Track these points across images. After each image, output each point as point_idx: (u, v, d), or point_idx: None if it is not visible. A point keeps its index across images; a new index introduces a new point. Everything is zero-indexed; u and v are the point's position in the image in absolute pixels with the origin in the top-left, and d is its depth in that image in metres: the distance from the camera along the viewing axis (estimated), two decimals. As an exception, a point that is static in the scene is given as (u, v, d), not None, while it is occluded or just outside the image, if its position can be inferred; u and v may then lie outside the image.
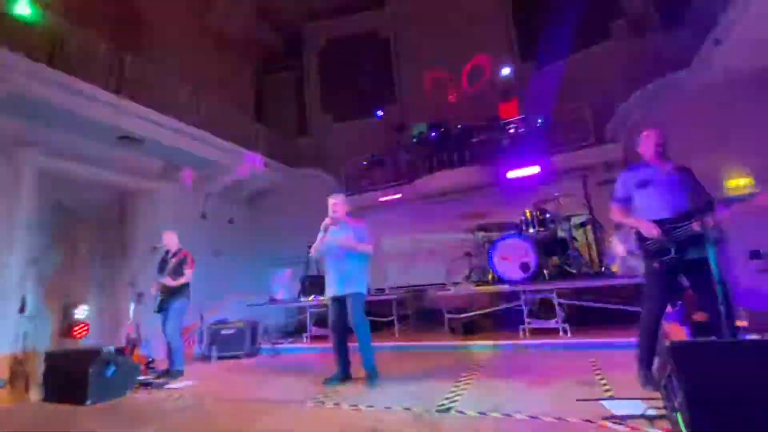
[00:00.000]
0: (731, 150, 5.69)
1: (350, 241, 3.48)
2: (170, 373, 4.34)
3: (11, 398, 4.70)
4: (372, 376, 3.36)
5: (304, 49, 11.20)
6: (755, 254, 5.52)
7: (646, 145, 2.70)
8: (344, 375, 3.56)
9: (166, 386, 3.99)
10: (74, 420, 3.10)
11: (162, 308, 4.52)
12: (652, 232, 2.56)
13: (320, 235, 3.61)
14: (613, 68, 7.16)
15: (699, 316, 3.84)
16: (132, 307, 4.87)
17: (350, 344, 3.59)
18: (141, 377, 4.13)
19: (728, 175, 5.74)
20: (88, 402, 3.42)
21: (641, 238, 2.64)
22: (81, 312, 5.04)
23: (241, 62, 10.63)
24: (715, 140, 5.65)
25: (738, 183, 5.75)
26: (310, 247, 7.47)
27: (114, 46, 6.20)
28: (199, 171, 7.79)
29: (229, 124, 8.07)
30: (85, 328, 4.98)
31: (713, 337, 2.68)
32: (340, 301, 3.51)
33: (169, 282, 4.46)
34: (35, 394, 3.86)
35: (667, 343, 1.96)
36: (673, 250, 2.50)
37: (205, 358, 5.53)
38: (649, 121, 6.34)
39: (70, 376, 3.55)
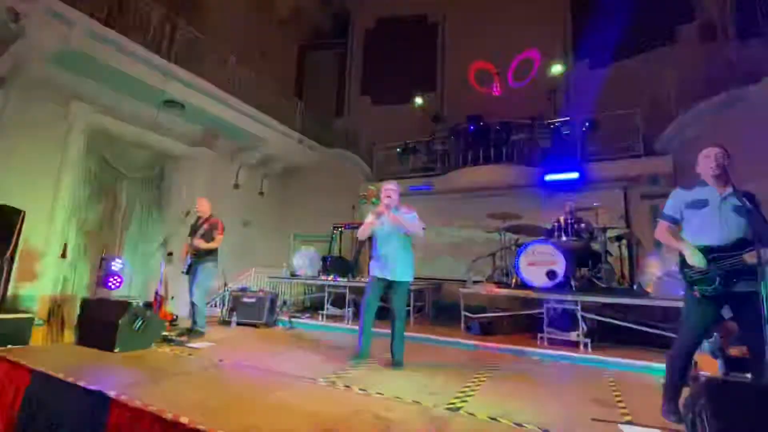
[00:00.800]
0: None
1: (406, 222, 3.60)
2: (191, 332, 4.55)
3: (48, 338, 5.08)
4: (399, 363, 3.53)
5: (351, 27, 11.09)
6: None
7: (705, 165, 2.51)
8: (366, 353, 3.70)
9: (187, 344, 4.18)
10: (103, 364, 3.30)
11: (191, 270, 4.70)
12: (694, 260, 2.40)
13: (369, 218, 3.73)
14: (674, 75, 6.68)
15: (734, 351, 3.63)
16: (162, 265, 5.10)
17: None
18: (165, 333, 4.33)
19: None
20: (117, 350, 3.63)
21: (684, 264, 2.48)
22: (116, 264, 5.32)
23: (287, 36, 10.67)
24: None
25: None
26: (335, 227, 7.60)
27: (166, 11, 6.34)
28: (236, 141, 7.96)
29: (268, 97, 8.16)
30: (119, 280, 5.26)
31: (748, 375, 2.53)
32: (385, 285, 3.65)
33: (201, 244, 4.61)
34: (69, 336, 4.12)
35: (703, 378, 1.85)
36: (717, 281, 2.33)
37: (225, 322, 5.75)
38: (708, 137, 5.88)
39: (102, 324, 3.77)
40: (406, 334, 3.74)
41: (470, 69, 9.14)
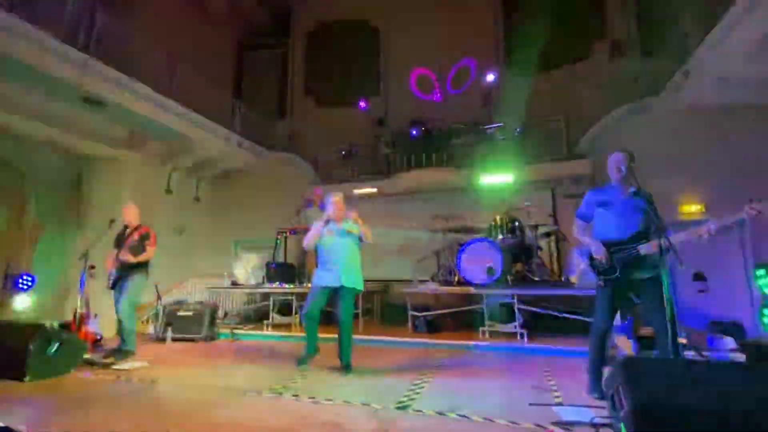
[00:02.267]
0: (689, 177, 6.07)
1: (362, 228, 3.70)
2: (120, 353, 4.13)
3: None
4: (348, 367, 3.53)
5: (292, 28, 10.85)
6: (698, 276, 5.96)
7: (610, 167, 2.85)
8: (313, 352, 3.73)
9: (113, 366, 3.81)
10: (10, 396, 2.89)
11: (117, 285, 4.28)
12: (599, 253, 2.74)
13: (317, 225, 3.73)
14: (591, 87, 7.42)
15: (645, 331, 4.11)
16: (83, 280, 4.60)
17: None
18: (87, 355, 3.91)
19: (683, 200, 6.13)
20: (27, 379, 3.21)
21: (591, 257, 2.83)
22: (24, 281, 4.69)
23: (222, 34, 10.17)
24: (677, 166, 6.02)
25: (691, 209, 6.17)
26: (280, 232, 7.38)
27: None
28: (167, 144, 7.42)
29: (204, 98, 7.71)
30: (30, 279, 4.59)
31: (655, 352, 2.88)
32: (331, 292, 3.66)
33: (129, 259, 4.21)
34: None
35: (619, 357, 2.07)
36: (618, 270, 2.69)
37: (159, 339, 5.32)
38: (619, 140, 6.68)
39: (8, 351, 3.31)
40: (354, 337, 3.76)
41: (411, 75, 9.40)
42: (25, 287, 4.70)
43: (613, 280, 2.72)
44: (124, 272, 4.25)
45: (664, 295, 2.49)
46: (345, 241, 3.72)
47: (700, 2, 5.36)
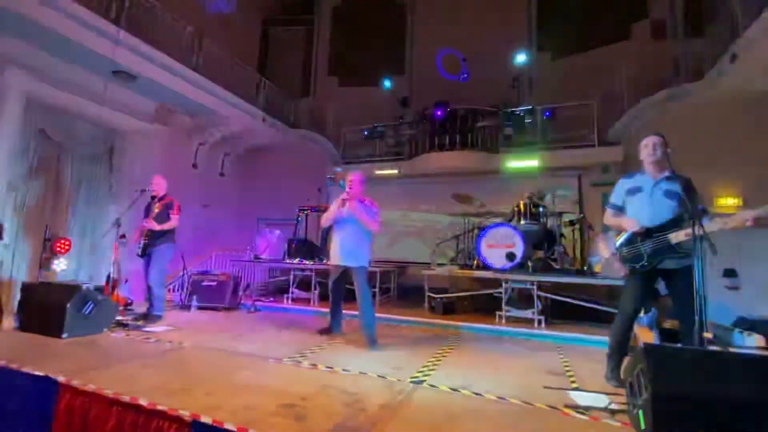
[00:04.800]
0: (727, 169, 5.77)
1: (363, 215, 3.71)
2: (149, 317, 4.36)
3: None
4: (372, 341, 3.59)
5: (317, 3, 10.69)
6: (729, 272, 5.73)
7: (644, 153, 2.72)
8: (337, 329, 4.01)
9: (143, 328, 4.01)
10: (50, 350, 3.10)
11: (146, 253, 4.47)
12: (632, 225, 2.62)
13: (333, 206, 3.85)
14: (628, 70, 7.06)
15: (668, 323, 4.00)
16: (114, 247, 4.81)
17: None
18: (118, 317, 4.13)
19: (720, 192, 5.85)
20: (64, 335, 3.43)
21: (619, 245, 2.73)
22: (63, 246, 4.94)
23: (249, 8, 10.13)
24: (714, 157, 5.71)
25: (727, 201, 5.88)
26: (301, 210, 7.49)
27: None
28: (194, 118, 7.56)
29: (229, 73, 7.78)
30: (66, 262, 4.90)
31: (679, 345, 2.81)
32: (342, 270, 3.82)
33: (153, 225, 4.40)
34: (9, 323, 3.83)
35: (641, 345, 2.04)
36: (645, 258, 2.58)
37: (184, 306, 5.55)
38: (654, 128, 6.35)
39: (47, 309, 3.54)
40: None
41: (438, 54, 9.16)
42: (63, 251, 4.96)
43: (640, 268, 2.61)
44: (152, 241, 4.44)
45: (695, 288, 2.36)
46: (353, 220, 3.78)
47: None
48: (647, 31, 7.57)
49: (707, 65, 5.84)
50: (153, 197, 4.66)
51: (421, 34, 9.88)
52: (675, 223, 2.52)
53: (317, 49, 10.61)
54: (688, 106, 6.13)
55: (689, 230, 2.38)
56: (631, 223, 2.64)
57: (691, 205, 2.46)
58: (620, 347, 2.74)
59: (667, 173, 2.64)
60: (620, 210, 2.81)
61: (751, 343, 4.13)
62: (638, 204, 2.68)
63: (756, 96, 5.44)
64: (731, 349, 3.78)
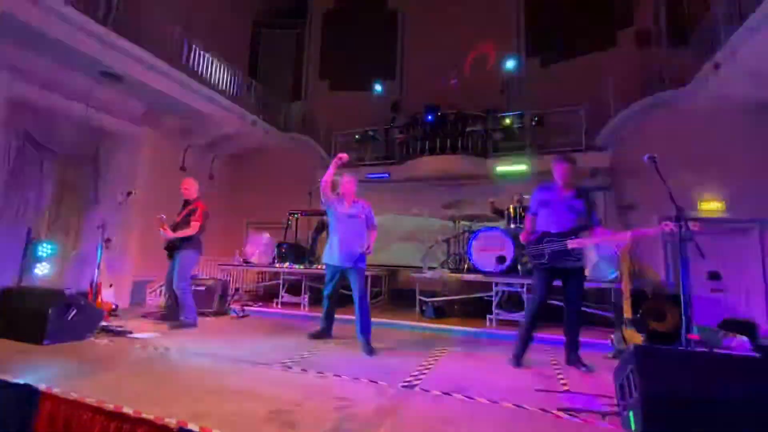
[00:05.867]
0: (711, 174, 5.91)
1: (370, 241, 3.86)
2: (182, 323, 4.34)
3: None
4: (368, 346, 3.56)
5: (309, 6, 10.69)
6: (713, 275, 5.85)
7: (557, 172, 3.27)
8: (328, 334, 4.00)
9: (128, 335, 3.92)
10: (30, 357, 3.00)
11: (171, 255, 4.48)
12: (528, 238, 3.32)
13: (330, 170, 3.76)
14: (614, 77, 7.20)
15: (655, 326, 4.06)
16: (100, 251, 4.71)
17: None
18: (104, 323, 4.02)
19: (704, 197, 5.98)
20: (46, 342, 3.33)
21: (527, 245, 3.32)
22: (44, 250, 4.82)
23: (239, 10, 10.08)
24: (697, 161, 5.85)
25: (710, 206, 6.02)
26: (291, 213, 7.42)
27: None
28: (183, 120, 7.46)
29: (220, 76, 7.72)
30: (48, 267, 4.77)
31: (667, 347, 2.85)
32: (338, 271, 3.80)
33: (168, 234, 4.33)
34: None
35: (631, 346, 2.05)
36: (546, 257, 3.15)
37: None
38: (638, 135, 6.51)
39: (28, 315, 3.43)
40: (364, 318, 3.79)
41: (428, 59, 9.23)
42: (45, 254, 4.83)
43: (541, 265, 3.20)
44: (176, 245, 4.40)
45: (582, 288, 3.21)
46: (356, 223, 3.80)
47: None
48: (632, 38, 7.74)
49: (691, 73, 5.99)
50: (186, 200, 4.58)
51: (412, 40, 9.95)
52: (573, 233, 3.12)
53: (308, 52, 10.60)
54: (673, 113, 6.28)
55: (582, 239, 3.08)
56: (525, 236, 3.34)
57: (588, 219, 3.14)
58: (527, 332, 3.25)
59: (573, 191, 3.21)
60: (535, 215, 3.38)
61: (736, 344, 4.21)
62: (547, 214, 3.25)
63: (738, 104, 5.60)
64: (717, 350, 3.85)
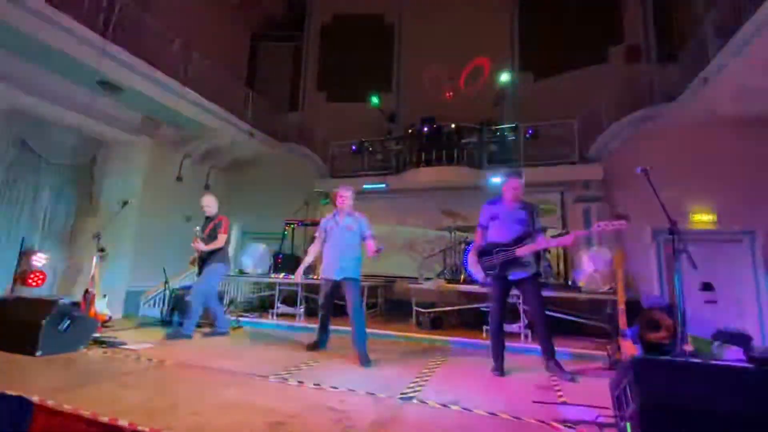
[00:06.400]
0: (702, 187, 6.02)
1: (370, 247, 3.81)
2: (214, 334, 4.50)
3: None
4: (366, 358, 3.55)
5: (307, 20, 10.85)
6: (707, 286, 5.91)
7: (506, 189, 3.49)
8: (324, 345, 4.01)
9: (122, 346, 3.87)
10: (23, 369, 2.96)
11: (201, 271, 4.62)
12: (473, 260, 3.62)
13: (326, 220, 4.01)
14: (605, 91, 7.36)
15: (651, 336, 4.09)
16: (95, 261, 4.67)
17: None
18: (97, 334, 3.98)
19: (695, 209, 6.08)
20: (39, 353, 3.28)
21: (479, 255, 3.50)
22: (39, 260, 4.77)
23: (237, 23, 10.21)
24: (688, 174, 5.97)
25: (702, 218, 6.12)
26: (287, 223, 7.42)
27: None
28: (180, 130, 7.48)
29: (218, 86, 7.76)
30: (41, 277, 4.72)
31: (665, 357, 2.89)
32: (334, 284, 3.82)
33: (201, 247, 4.52)
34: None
35: (627, 358, 2.08)
36: (498, 268, 3.34)
37: (166, 322, 5.39)
38: (630, 147, 6.63)
39: (21, 326, 3.39)
40: (360, 329, 3.78)
41: (424, 72, 9.37)
42: (39, 264, 4.79)
43: (495, 276, 3.37)
44: (205, 259, 4.58)
45: (539, 293, 3.34)
46: (348, 235, 3.84)
47: (722, 7, 5.28)
48: (622, 54, 7.94)
49: (680, 88, 6.14)
50: (207, 217, 4.76)
51: (408, 53, 10.11)
52: (520, 241, 3.32)
53: (306, 65, 10.72)
54: (663, 127, 6.42)
55: (528, 245, 3.26)
56: (472, 262, 3.71)
57: (532, 228, 3.37)
58: (497, 339, 3.41)
59: (519, 204, 3.45)
60: (485, 229, 3.58)
61: (729, 355, 4.25)
62: (496, 227, 3.48)
63: (726, 117, 5.74)
64: (712, 361, 3.88)
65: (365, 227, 3.90)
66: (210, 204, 4.77)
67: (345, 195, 3.94)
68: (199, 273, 4.64)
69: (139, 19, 6.35)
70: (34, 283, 4.69)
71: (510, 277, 3.34)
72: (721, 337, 4.64)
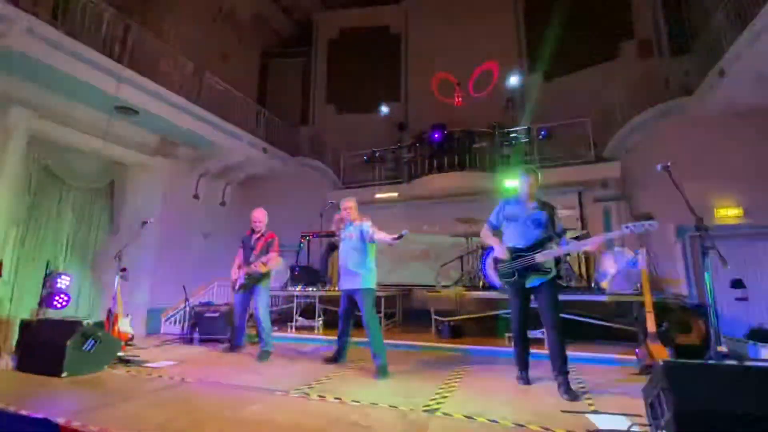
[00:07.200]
0: (725, 181, 5.82)
1: (375, 235, 3.70)
2: (263, 354, 4.21)
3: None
4: (382, 370, 3.47)
5: (314, 36, 11.05)
6: (737, 283, 5.66)
7: (522, 186, 3.27)
8: (340, 357, 3.97)
9: (144, 364, 3.91)
10: (48, 390, 3.01)
11: (245, 289, 4.38)
12: (501, 254, 3.17)
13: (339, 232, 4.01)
14: (619, 88, 7.22)
15: (682, 340, 3.93)
16: (116, 281, 4.77)
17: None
18: (120, 353, 4.03)
19: (720, 204, 5.87)
20: (64, 374, 3.33)
21: (495, 261, 3.24)
22: (62, 281, 4.89)
23: (248, 43, 10.46)
24: (711, 169, 5.78)
25: (727, 213, 5.90)
26: (303, 236, 7.47)
27: (119, 12, 6.03)
28: (196, 150, 7.65)
29: (231, 105, 7.94)
30: (66, 298, 4.84)
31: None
32: (348, 295, 3.82)
33: (260, 269, 4.25)
34: (6, 363, 3.73)
35: (660, 363, 1.99)
36: (516, 275, 3.11)
37: (186, 339, 5.45)
38: (646, 145, 6.47)
39: (46, 347, 3.46)
40: (379, 341, 3.74)
41: (433, 80, 9.40)
42: (64, 286, 4.91)
43: (513, 283, 3.14)
44: (254, 279, 4.33)
45: (555, 299, 3.06)
46: (351, 245, 3.83)
47: (735, -2, 5.15)
48: (634, 50, 7.80)
49: (696, 81, 5.99)
50: (252, 231, 4.54)
51: (415, 62, 10.16)
52: (539, 245, 3.07)
53: (315, 79, 10.88)
54: (681, 121, 6.25)
55: (550, 251, 3.03)
56: (500, 251, 3.17)
57: (552, 231, 3.12)
58: (521, 349, 3.23)
59: (535, 203, 3.20)
60: (495, 229, 3.35)
61: (766, 354, 4.05)
62: (513, 229, 3.22)
63: (747, 108, 5.56)
64: (747, 362, 3.69)
65: (365, 231, 3.77)
66: (261, 219, 4.49)
67: (348, 206, 3.94)
68: (244, 289, 4.39)
69: (154, 43, 6.56)
70: (59, 305, 4.80)
71: (527, 285, 3.11)
72: (756, 336, 4.43)
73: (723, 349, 3.78)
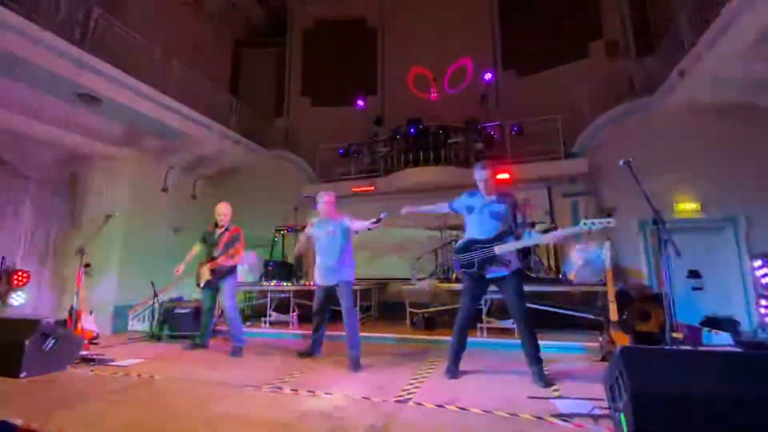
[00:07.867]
0: (685, 176, 6.13)
1: (359, 225, 3.74)
2: (236, 350, 4.13)
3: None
4: (356, 363, 3.50)
5: (289, 26, 10.81)
6: (694, 273, 6.00)
7: (477, 179, 3.30)
8: (314, 351, 3.98)
9: (110, 362, 3.78)
10: (6, 391, 2.86)
11: (210, 286, 4.30)
12: (406, 210, 3.69)
13: (307, 230, 4.01)
14: (587, 86, 7.46)
15: (642, 327, 4.14)
16: (80, 277, 4.57)
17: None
18: (84, 352, 3.88)
19: (679, 198, 6.19)
20: (23, 374, 3.18)
21: (457, 251, 3.32)
22: (20, 277, 4.64)
23: (219, 32, 10.12)
24: (672, 165, 6.08)
25: (686, 207, 6.23)
26: (277, 230, 7.36)
27: (79, -6, 5.70)
28: (164, 141, 7.37)
29: (201, 95, 7.67)
30: (26, 275, 4.54)
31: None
32: (328, 290, 3.81)
33: (226, 263, 4.19)
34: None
35: (618, 348, 2.09)
36: (476, 265, 3.14)
37: (155, 336, 5.29)
38: (614, 140, 6.73)
39: (3, 346, 3.28)
40: (351, 333, 3.75)
41: (409, 74, 9.40)
42: (21, 283, 4.66)
43: (471, 273, 3.18)
44: (220, 274, 4.24)
45: (519, 290, 3.09)
46: (330, 240, 3.80)
47: (696, 1, 5.40)
48: (602, 49, 8.06)
49: (659, 80, 6.26)
50: (217, 226, 4.43)
51: (392, 55, 10.12)
52: (498, 238, 3.11)
53: (289, 70, 10.66)
54: (644, 119, 6.53)
55: (508, 243, 3.06)
56: (406, 209, 3.77)
57: (513, 224, 3.15)
58: (460, 343, 3.22)
59: (494, 196, 3.22)
60: (451, 210, 3.53)
61: (719, 340, 4.32)
62: (473, 221, 3.28)
63: (705, 107, 5.86)
64: (701, 348, 3.94)
65: (345, 225, 3.79)
66: (226, 213, 4.43)
67: (328, 201, 3.89)
68: (205, 286, 4.35)
69: (117, 28, 6.24)
70: (16, 303, 4.55)
71: (487, 275, 3.14)
72: (710, 324, 4.72)
73: (679, 335, 4.02)
